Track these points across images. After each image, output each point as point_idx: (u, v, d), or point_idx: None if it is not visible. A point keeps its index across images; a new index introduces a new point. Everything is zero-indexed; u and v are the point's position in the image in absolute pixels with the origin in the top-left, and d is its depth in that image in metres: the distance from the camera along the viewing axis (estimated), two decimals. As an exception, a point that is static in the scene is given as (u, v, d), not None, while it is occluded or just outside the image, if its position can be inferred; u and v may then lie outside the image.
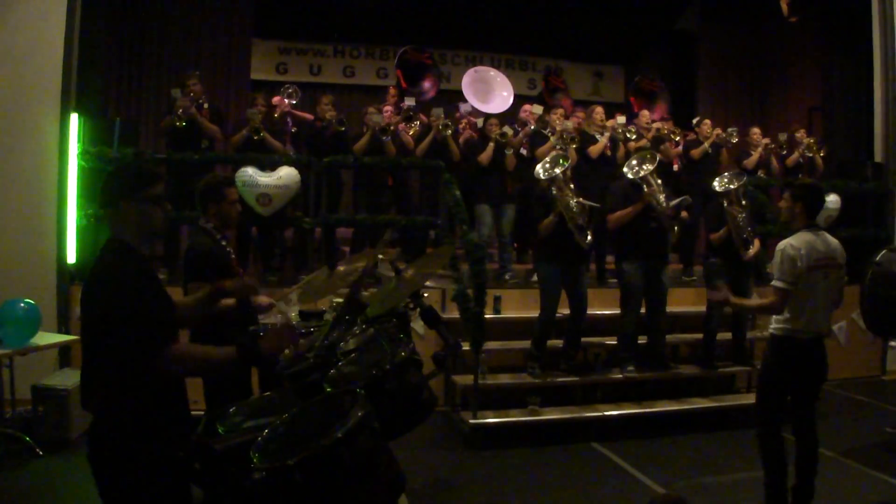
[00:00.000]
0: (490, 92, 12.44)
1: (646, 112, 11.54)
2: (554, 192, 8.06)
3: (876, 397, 10.16)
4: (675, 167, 11.16)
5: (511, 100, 12.44)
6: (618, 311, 8.76)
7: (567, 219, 8.01)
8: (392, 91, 11.43)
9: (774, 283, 5.75)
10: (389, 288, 4.16)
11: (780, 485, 5.85)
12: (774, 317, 5.87)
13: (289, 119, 10.48)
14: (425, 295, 4.34)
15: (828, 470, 6.35)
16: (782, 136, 12.13)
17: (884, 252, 7.56)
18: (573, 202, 8.05)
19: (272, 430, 3.31)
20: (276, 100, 10.61)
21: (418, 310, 4.04)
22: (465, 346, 7.90)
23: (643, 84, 14.22)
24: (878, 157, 12.19)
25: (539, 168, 8.27)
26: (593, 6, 14.95)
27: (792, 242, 5.72)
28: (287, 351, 3.88)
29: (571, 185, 8.23)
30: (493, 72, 13.12)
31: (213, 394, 5.19)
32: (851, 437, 8.34)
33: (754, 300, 5.90)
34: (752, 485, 6.15)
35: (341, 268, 5.13)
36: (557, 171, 8.09)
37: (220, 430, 3.63)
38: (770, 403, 5.98)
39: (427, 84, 12.55)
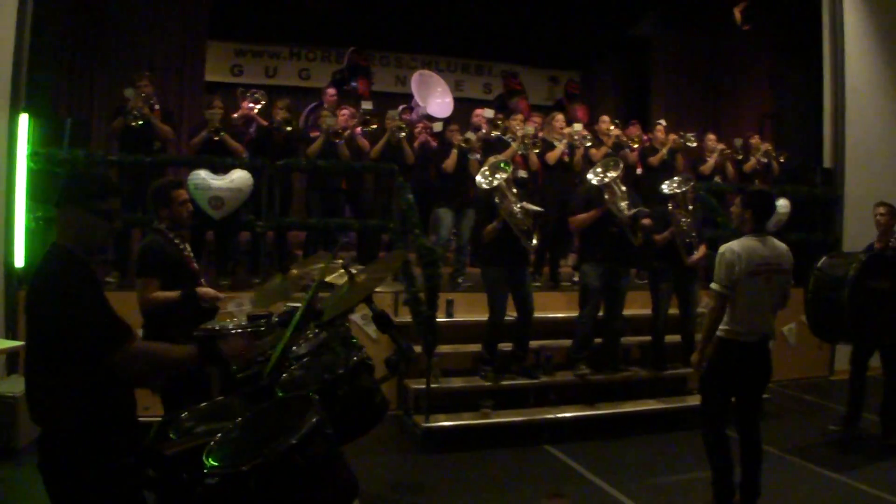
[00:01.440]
0: (430, 96, 12.49)
1: (606, 118, 11.59)
2: (497, 199, 8.10)
3: (823, 397, 10.36)
4: (639, 170, 11.27)
5: (451, 106, 12.50)
6: (571, 314, 8.82)
7: (511, 225, 8.05)
8: (331, 93, 11.37)
9: (712, 286, 5.88)
10: (342, 292, 4.15)
11: (728, 483, 5.96)
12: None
13: (254, 123, 10.41)
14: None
15: (774, 467, 6.48)
16: (738, 142, 12.29)
17: (825, 258, 7.70)
18: (517, 208, 8.09)
19: (224, 436, 3.29)
20: (244, 104, 10.50)
21: (371, 314, 4.03)
22: (418, 350, 7.92)
23: (568, 87, 14.42)
24: (827, 163, 12.41)
25: (479, 177, 8.30)
26: (549, 12, 15.02)
27: (732, 247, 5.82)
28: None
29: (514, 191, 8.27)
30: (436, 77, 13.17)
31: (171, 398, 5.17)
32: (798, 435, 8.52)
33: (707, 322, 5.97)
34: (703, 484, 6.21)
35: (294, 271, 5.13)
36: (499, 177, 8.12)
37: (171, 436, 3.61)
38: (714, 404, 6.07)
39: (356, 84, 12.56)
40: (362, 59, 13.17)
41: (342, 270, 4.23)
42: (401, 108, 11.69)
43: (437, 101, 12.77)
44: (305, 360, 4.08)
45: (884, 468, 7.54)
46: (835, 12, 12.31)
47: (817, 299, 7.55)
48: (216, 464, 3.05)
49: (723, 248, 5.89)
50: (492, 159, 8.44)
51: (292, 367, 4.00)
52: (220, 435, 3.30)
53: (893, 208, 8.44)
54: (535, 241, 8.29)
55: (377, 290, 4.26)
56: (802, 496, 6.76)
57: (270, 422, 3.39)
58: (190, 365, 3.48)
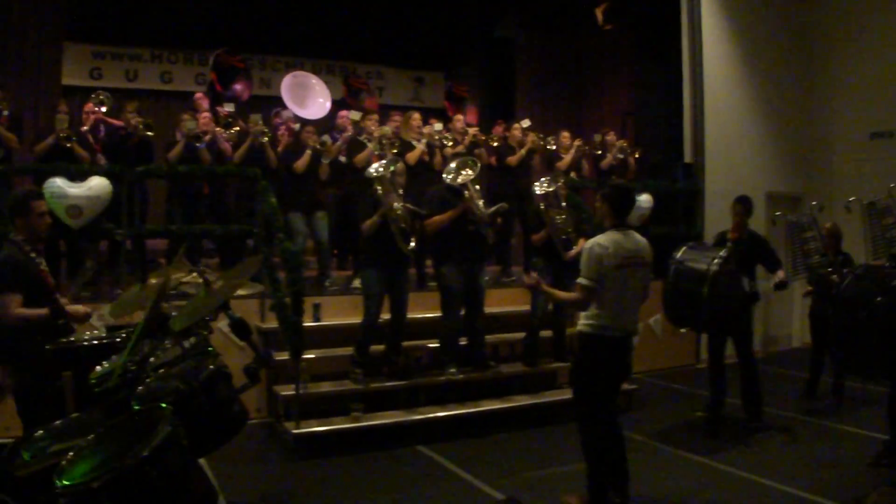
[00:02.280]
0: (308, 97, 12.37)
1: (460, 117, 11.65)
2: (379, 190, 8.08)
3: (690, 385, 10.68)
4: (493, 161, 11.35)
5: (329, 106, 12.40)
6: (439, 315, 8.83)
7: (389, 220, 8.04)
8: (199, 96, 11.15)
9: (580, 280, 5.88)
10: (198, 300, 4.07)
11: (602, 473, 6.01)
12: (583, 314, 6.01)
13: (102, 127, 10.07)
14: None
15: (644, 454, 6.65)
16: (598, 138, 12.54)
17: (683, 249, 7.86)
18: (398, 205, 8.09)
19: (77, 452, 3.21)
20: (87, 107, 10.19)
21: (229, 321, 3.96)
22: (286, 356, 7.88)
23: (454, 89, 14.45)
24: (687, 158, 12.83)
25: (372, 168, 8.31)
26: (414, 13, 15.05)
27: (599, 241, 5.87)
28: (98, 368, 3.78)
29: (400, 191, 8.27)
30: (313, 79, 13.05)
31: (27, 412, 4.99)
32: (666, 422, 8.84)
33: (564, 293, 6.02)
34: (577, 476, 6.27)
35: (153, 280, 5.01)
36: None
37: (25, 457, 3.49)
38: (585, 397, 6.12)
39: (238, 87, 12.36)
40: (237, 61, 12.92)
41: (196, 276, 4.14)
42: (273, 111, 11.58)
43: (319, 100, 12.63)
44: (161, 370, 3.98)
45: (746, 450, 7.85)
46: (693, 14, 12.72)
47: (676, 290, 7.71)
48: (68, 482, 2.97)
49: (589, 242, 5.94)
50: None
51: (148, 380, 3.90)
52: (71, 453, 3.20)
53: (751, 206, 8.86)
54: (412, 244, 8.28)
55: (235, 296, 4.17)
56: (671, 480, 6.92)
57: (123, 435, 3.31)
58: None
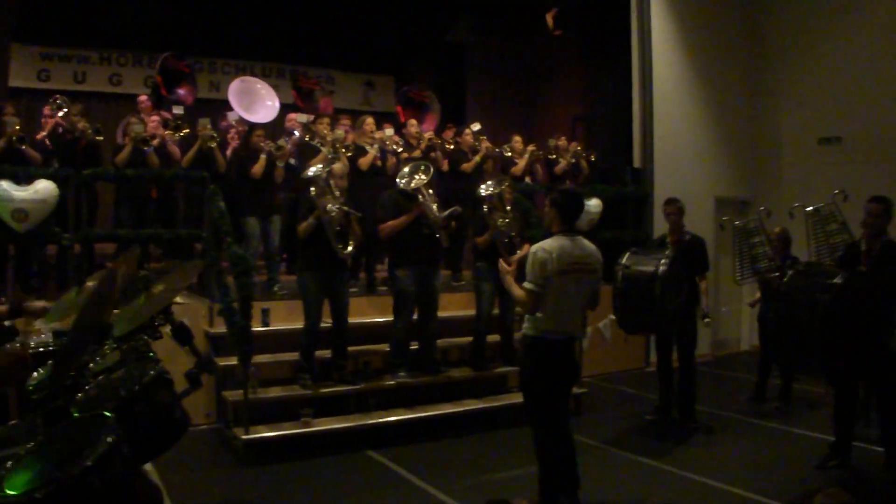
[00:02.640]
0: (255, 102, 12.29)
1: (414, 122, 11.62)
2: (313, 192, 8.03)
3: (639, 388, 10.78)
4: (444, 168, 11.35)
5: (277, 109, 12.34)
6: (389, 319, 8.81)
7: (325, 223, 7.97)
8: (142, 99, 11.02)
9: (525, 284, 5.90)
10: (138, 305, 4.02)
11: (553, 477, 6.02)
12: (527, 317, 6.02)
13: (60, 130, 9.92)
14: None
15: (594, 457, 6.69)
16: (552, 142, 12.55)
17: (628, 254, 7.92)
18: (333, 207, 8.04)
19: (16, 462, 3.15)
20: (46, 112, 10.04)
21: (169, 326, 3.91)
22: (235, 361, 7.84)
23: (412, 94, 14.39)
24: (636, 163, 12.94)
25: (309, 170, 8.25)
26: (365, 17, 15.02)
27: (544, 246, 5.89)
28: (35, 374, 3.71)
29: (337, 193, 8.21)
30: (259, 83, 12.97)
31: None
32: (616, 426, 8.91)
33: (518, 289, 6.01)
34: (527, 479, 6.31)
35: (90, 283, 4.93)
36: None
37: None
38: (535, 401, 6.13)
39: (182, 91, 12.24)
40: (183, 66, 12.80)
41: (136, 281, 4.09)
42: (221, 114, 11.50)
43: (268, 103, 12.55)
44: (101, 377, 3.93)
45: (695, 452, 7.97)
46: (643, 20, 12.83)
47: (626, 294, 7.76)
48: (12, 492, 2.92)
49: (535, 247, 5.95)
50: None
51: (88, 387, 3.84)
52: (10, 462, 3.14)
53: (682, 205, 8.87)
54: (350, 248, 8.24)
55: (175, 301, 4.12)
56: (621, 484, 6.98)
57: (65, 444, 3.25)
58: None
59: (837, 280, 6.47)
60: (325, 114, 11.46)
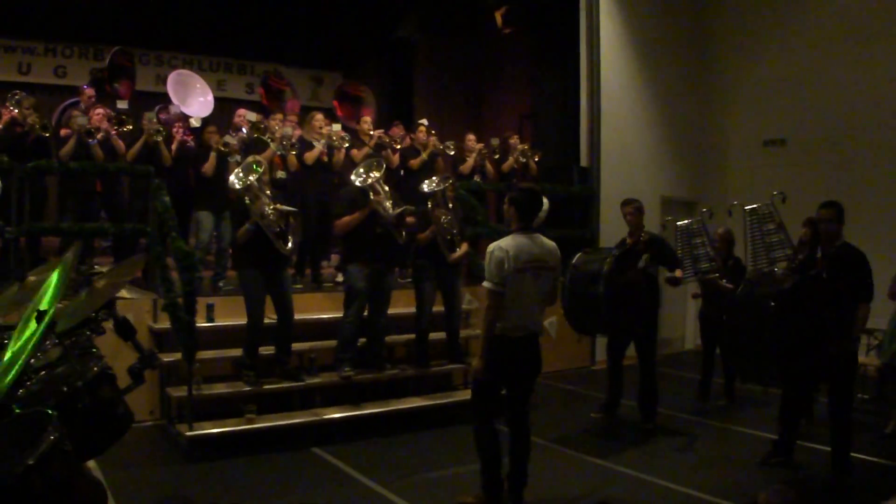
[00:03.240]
0: (190, 95, 12.23)
1: (367, 118, 11.59)
2: (247, 201, 7.97)
3: (585, 386, 10.88)
4: (402, 172, 11.35)
5: (211, 105, 12.28)
6: (335, 315, 8.82)
7: (263, 227, 7.93)
8: (88, 93, 10.89)
9: (484, 284, 5.94)
10: (80, 299, 3.98)
11: (496, 474, 6.08)
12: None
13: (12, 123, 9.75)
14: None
15: (540, 456, 6.67)
16: (495, 142, 12.55)
17: (579, 255, 8.00)
18: (269, 209, 7.99)
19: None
20: (6, 108, 9.87)
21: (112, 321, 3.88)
22: (179, 357, 7.79)
23: (347, 89, 14.39)
24: (583, 162, 13.01)
25: (232, 177, 8.14)
26: (313, 12, 14.95)
27: (501, 244, 5.91)
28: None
29: (268, 192, 8.16)
30: (194, 76, 12.91)
31: None
32: (562, 424, 8.95)
33: (485, 323, 6.01)
34: (471, 477, 6.34)
35: (32, 278, 4.86)
36: (251, 178, 7.99)
37: None
38: (485, 398, 6.18)
39: (120, 87, 12.12)
40: (126, 61, 12.66)
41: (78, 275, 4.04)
42: (157, 108, 11.41)
43: (200, 99, 12.49)
44: (43, 373, 3.88)
45: (641, 451, 8.02)
46: (591, 19, 12.93)
47: (574, 294, 7.82)
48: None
49: (492, 246, 5.97)
50: (250, 159, 8.29)
51: (29, 383, 3.79)
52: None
53: (640, 205, 8.84)
54: (290, 245, 8.21)
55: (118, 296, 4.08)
56: (568, 483, 7.03)
57: (6, 442, 3.19)
58: None
59: (787, 286, 6.62)
60: (294, 112, 11.43)
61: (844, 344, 6.71)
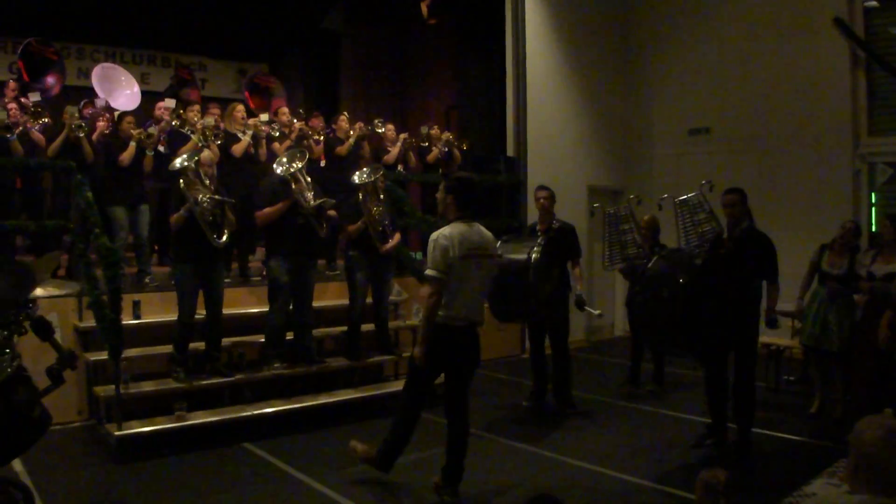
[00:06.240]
0: (116, 89, 12.05)
1: (285, 109, 11.50)
2: (182, 185, 7.89)
3: (516, 375, 10.95)
4: (322, 163, 11.28)
5: (138, 97, 12.11)
6: (263, 309, 8.75)
7: (197, 214, 7.85)
8: (11, 86, 10.66)
9: (428, 271, 5.93)
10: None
11: (396, 455, 6.40)
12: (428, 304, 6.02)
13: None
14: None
15: (473, 446, 6.66)
16: (424, 130, 12.60)
17: (499, 242, 7.98)
18: (204, 197, 7.91)
19: None
20: None
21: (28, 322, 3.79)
22: (105, 356, 7.66)
23: (258, 80, 14.31)
24: (510, 152, 13.09)
25: (176, 161, 8.08)
26: (237, 3, 14.81)
27: (444, 233, 5.92)
28: None
29: (207, 182, 8.08)
30: (119, 69, 12.72)
31: None
32: (493, 412, 9.05)
33: (426, 312, 5.99)
34: (403, 468, 6.53)
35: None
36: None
37: None
38: (420, 386, 6.24)
39: (51, 80, 11.88)
40: (51, 53, 12.37)
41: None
42: (82, 102, 11.21)
43: (126, 92, 12.30)
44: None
45: (572, 437, 8.13)
46: (517, 10, 13.02)
47: (498, 283, 7.83)
48: None
49: (435, 234, 5.97)
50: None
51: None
52: None
53: (552, 192, 8.92)
54: (224, 237, 8.11)
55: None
56: (501, 470, 7.09)
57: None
58: None
59: (698, 261, 6.98)
60: (194, 101, 11.29)
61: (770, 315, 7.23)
